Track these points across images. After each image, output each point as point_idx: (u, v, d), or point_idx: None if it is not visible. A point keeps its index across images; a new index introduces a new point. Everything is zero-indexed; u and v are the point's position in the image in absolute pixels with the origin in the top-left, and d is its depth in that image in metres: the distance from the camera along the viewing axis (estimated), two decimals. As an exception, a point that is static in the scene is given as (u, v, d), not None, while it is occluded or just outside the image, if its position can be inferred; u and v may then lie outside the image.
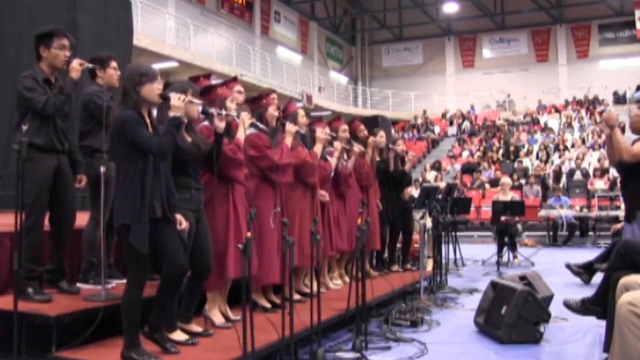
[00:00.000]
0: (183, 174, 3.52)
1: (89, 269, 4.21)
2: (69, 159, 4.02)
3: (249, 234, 2.94)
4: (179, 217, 3.30)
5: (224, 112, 3.69)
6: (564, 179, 15.74)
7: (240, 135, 3.95)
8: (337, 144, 5.43)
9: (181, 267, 3.25)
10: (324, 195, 5.22)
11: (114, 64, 4.30)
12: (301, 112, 4.98)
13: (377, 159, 6.38)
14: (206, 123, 3.92)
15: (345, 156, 5.65)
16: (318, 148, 5.01)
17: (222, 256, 3.84)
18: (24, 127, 3.51)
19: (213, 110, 3.65)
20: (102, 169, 3.95)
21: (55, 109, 3.74)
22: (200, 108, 3.61)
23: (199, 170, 3.71)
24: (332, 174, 5.39)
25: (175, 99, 3.20)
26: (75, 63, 3.81)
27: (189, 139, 3.56)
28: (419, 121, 24.48)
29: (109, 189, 3.97)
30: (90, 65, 4.02)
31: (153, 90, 3.19)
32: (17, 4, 7.31)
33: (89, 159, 4.16)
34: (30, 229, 3.71)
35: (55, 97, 3.73)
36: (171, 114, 3.19)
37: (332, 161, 5.34)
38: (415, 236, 7.26)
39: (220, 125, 3.64)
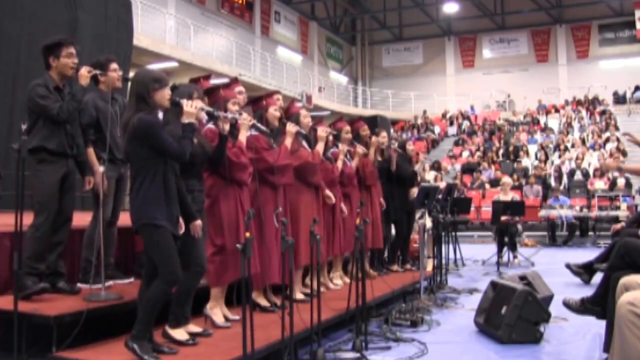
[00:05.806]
0: (188, 176, 3.54)
1: (88, 268, 4.20)
2: (76, 162, 4.11)
3: (247, 234, 2.96)
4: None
5: (229, 115, 3.77)
6: (564, 179, 15.73)
7: (242, 137, 3.97)
8: (342, 146, 5.44)
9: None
10: (330, 197, 5.17)
11: (113, 65, 4.37)
12: (304, 113, 4.95)
13: (379, 158, 6.40)
14: (211, 126, 3.94)
15: (348, 156, 5.67)
16: (320, 147, 5.00)
17: (228, 255, 3.85)
18: (24, 127, 3.53)
19: (219, 113, 3.72)
20: (102, 168, 4.04)
21: (69, 114, 3.90)
22: (205, 114, 3.68)
23: (202, 172, 3.75)
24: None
25: (188, 105, 3.30)
26: (84, 70, 3.94)
27: (195, 141, 3.59)
28: (419, 121, 24.45)
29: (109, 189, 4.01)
30: (98, 72, 4.15)
31: (164, 96, 3.29)
32: (17, 4, 7.31)
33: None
34: (40, 226, 3.79)
35: (67, 103, 3.88)
36: (184, 120, 3.28)
37: (339, 163, 5.36)
38: (415, 236, 7.26)
39: (226, 127, 3.73)
